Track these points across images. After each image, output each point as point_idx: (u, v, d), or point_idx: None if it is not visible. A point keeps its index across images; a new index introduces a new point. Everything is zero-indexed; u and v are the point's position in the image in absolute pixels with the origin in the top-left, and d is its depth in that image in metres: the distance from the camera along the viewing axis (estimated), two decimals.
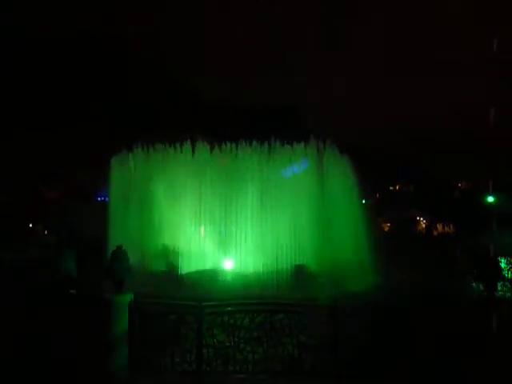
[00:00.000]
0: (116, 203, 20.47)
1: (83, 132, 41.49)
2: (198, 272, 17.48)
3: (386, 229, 46.22)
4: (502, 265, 15.81)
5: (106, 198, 26.02)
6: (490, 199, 49.42)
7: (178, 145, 20.00)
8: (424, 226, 48.82)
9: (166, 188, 19.48)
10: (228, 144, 19.72)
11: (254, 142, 19.55)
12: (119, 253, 12.88)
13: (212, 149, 19.81)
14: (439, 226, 45.90)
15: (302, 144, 19.80)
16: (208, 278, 17.27)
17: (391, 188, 56.17)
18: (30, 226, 42.55)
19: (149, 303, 7.98)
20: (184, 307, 7.77)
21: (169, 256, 18.52)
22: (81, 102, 44.77)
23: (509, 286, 13.31)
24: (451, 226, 41.22)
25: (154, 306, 7.96)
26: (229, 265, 18.33)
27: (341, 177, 19.78)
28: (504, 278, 14.11)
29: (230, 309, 7.74)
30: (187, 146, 20.00)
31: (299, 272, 17.18)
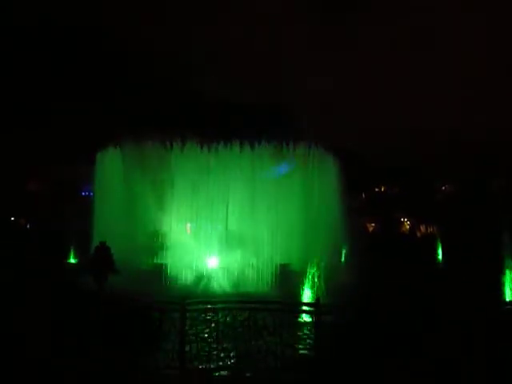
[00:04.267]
0: (101, 198, 20.32)
1: (70, 126, 40.87)
2: (183, 269, 17.46)
3: (371, 229, 46.73)
4: None
5: (91, 193, 25.80)
6: (472, 202, 50.42)
7: (166, 142, 19.90)
8: (408, 227, 49.48)
9: (153, 185, 19.38)
10: (216, 142, 19.70)
11: (243, 141, 19.58)
12: (103, 248, 12.90)
13: (201, 147, 19.76)
14: (422, 228, 46.60)
15: (291, 144, 19.92)
16: (193, 276, 17.31)
17: (376, 189, 56.77)
18: (12, 219, 41.98)
19: (130, 299, 7.97)
20: (166, 304, 7.78)
21: (155, 253, 18.48)
22: (67, 97, 44.07)
23: None
24: (434, 228, 41.82)
25: (137, 302, 7.95)
26: (214, 262, 18.35)
27: (327, 177, 19.96)
28: None
29: (213, 306, 7.77)
30: (176, 143, 19.92)
31: (284, 271, 17.32)
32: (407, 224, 49.81)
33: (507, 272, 13.74)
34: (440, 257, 27.17)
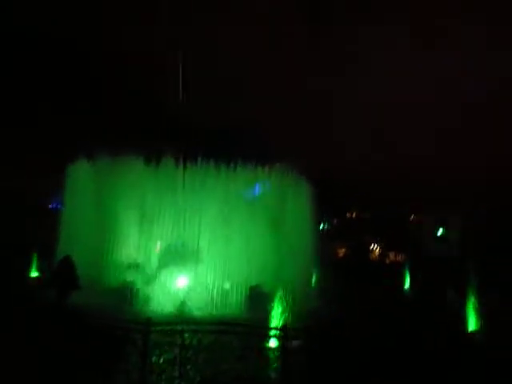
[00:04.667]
0: (70, 212, 19.75)
1: (40, 136, 39.91)
2: (150, 288, 17.04)
3: (341, 254, 47.11)
4: None
5: (59, 206, 25.05)
6: (439, 232, 51.88)
7: (141, 158, 19.67)
8: (377, 253, 50.20)
9: (124, 201, 18.99)
10: (191, 161, 19.62)
11: (219, 161, 19.58)
12: (67, 263, 12.46)
13: (177, 165, 19.63)
14: (392, 255, 47.37)
15: (266, 166, 20.04)
16: (161, 296, 16.89)
17: (348, 215, 57.61)
18: None
19: (92, 317, 7.66)
20: (130, 324, 7.52)
21: (123, 271, 18.00)
22: (38, 106, 43.14)
23: None
24: (403, 256, 42.57)
25: (99, 320, 7.65)
26: (183, 282, 17.99)
27: (300, 200, 20.10)
28: None
29: (178, 328, 7.57)
30: (151, 160, 19.71)
31: (255, 293, 17.14)
32: (377, 250, 50.56)
33: (470, 302, 14.05)
34: (407, 285, 27.56)
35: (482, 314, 13.74)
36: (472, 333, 13.24)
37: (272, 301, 12.74)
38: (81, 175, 19.81)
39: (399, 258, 44.09)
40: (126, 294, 16.39)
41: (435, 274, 25.20)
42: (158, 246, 19.22)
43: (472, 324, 13.68)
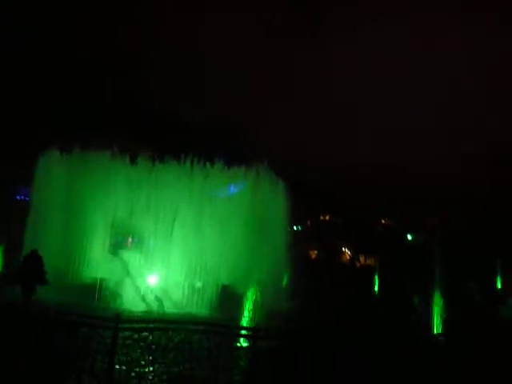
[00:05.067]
0: (39, 204, 19.16)
1: (9, 126, 38.58)
2: (120, 285, 16.75)
3: (313, 256, 47.58)
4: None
5: (26, 198, 24.30)
6: (409, 237, 53.22)
7: (116, 153, 19.32)
8: (348, 256, 50.96)
9: (95, 195, 18.60)
10: (167, 159, 19.44)
11: (195, 159, 19.47)
12: (33, 257, 12.09)
13: (151, 162, 19.40)
14: (362, 258, 48.18)
15: (242, 166, 20.06)
16: (131, 292, 16.64)
17: (321, 217, 58.24)
18: None
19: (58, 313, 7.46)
20: (98, 321, 7.37)
21: (92, 266, 17.64)
22: (12, 96, 41.71)
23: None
24: (373, 259, 43.37)
25: (65, 316, 7.46)
26: (154, 280, 17.77)
27: (274, 201, 20.20)
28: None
29: (147, 326, 7.46)
30: (125, 155, 19.39)
31: (226, 292, 17.09)
32: (348, 254, 51.33)
33: (435, 306, 14.51)
34: (376, 287, 28.12)
35: (445, 318, 14.22)
36: (436, 336, 13.67)
37: (243, 300, 12.77)
38: (52, 167, 19.26)
39: (369, 261, 44.89)
40: (95, 291, 16.07)
41: (403, 279, 25.78)
42: (129, 243, 18.94)
43: (437, 327, 14.15)
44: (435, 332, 13.99)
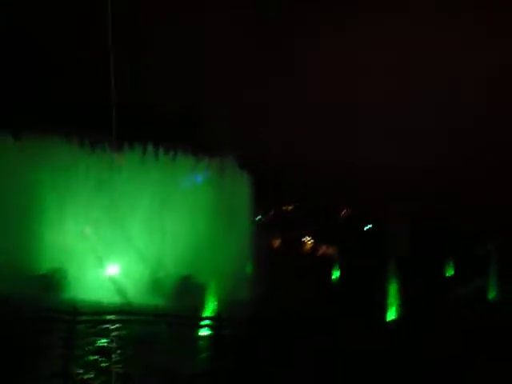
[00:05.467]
0: None
1: None
2: (78, 276, 16.31)
3: (276, 245, 48.15)
4: None
5: None
6: (368, 226, 54.90)
7: (73, 139, 18.64)
8: (310, 246, 51.96)
9: (51, 182, 17.91)
10: (129, 146, 18.99)
11: (157, 146, 19.15)
12: None
13: (111, 149, 18.87)
14: (323, 248, 49.26)
15: (205, 155, 19.94)
16: (88, 284, 16.25)
17: (284, 208, 58.89)
18: None
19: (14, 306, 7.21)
20: (55, 314, 7.18)
21: (49, 257, 17.03)
22: None
23: None
24: (333, 248, 44.44)
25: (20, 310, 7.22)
26: (113, 270, 17.42)
27: (238, 191, 20.24)
28: None
29: (105, 318, 7.36)
30: (84, 141, 18.75)
31: (186, 283, 17.03)
32: (309, 243, 52.31)
33: (390, 293, 15.12)
34: (335, 275, 28.89)
35: (401, 304, 14.86)
36: (390, 321, 14.27)
37: (206, 291, 12.79)
38: (4, 153, 18.34)
39: (330, 250, 45.98)
40: (51, 282, 15.58)
41: (362, 267, 26.65)
42: (88, 232, 18.41)
43: (391, 313, 14.76)
44: (390, 317, 14.59)
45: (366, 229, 55.11)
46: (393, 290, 15.26)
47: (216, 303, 12.41)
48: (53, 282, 15.66)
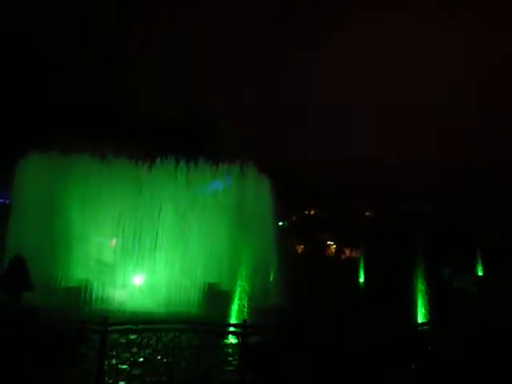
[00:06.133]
0: (20, 207, 18.83)
1: None
2: (107, 287, 16.66)
3: (300, 250, 47.98)
4: None
5: (6, 201, 23.84)
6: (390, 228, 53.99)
7: (97, 154, 19.12)
8: (333, 250, 51.52)
9: (79, 198, 18.38)
10: (150, 158, 19.33)
11: (178, 157, 19.42)
12: (18, 262, 11.90)
13: (134, 162, 19.27)
14: (347, 251, 48.78)
15: (226, 163, 20.08)
16: (117, 294, 16.56)
17: (306, 212, 58.68)
18: None
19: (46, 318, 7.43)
20: (86, 325, 7.36)
21: (78, 269, 17.47)
22: None
23: None
24: (357, 252, 43.95)
25: (53, 321, 7.42)
26: (140, 280, 17.70)
27: (260, 197, 20.26)
28: None
29: (136, 327, 7.48)
30: (107, 156, 19.20)
31: (213, 290, 17.14)
32: (333, 247, 51.86)
33: (419, 295, 14.80)
34: (362, 279, 28.57)
35: (430, 307, 14.52)
36: (421, 325, 13.97)
37: (231, 298, 12.84)
38: (33, 170, 18.94)
39: (354, 254, 45.47)
40: (81, 293, 15.93)
41: (388, 270, 26.27)
42: (114, 243, 18.80)
43: (421, 316, 14.45)
44: (420, 320, 14.28)
45: (387, 231, 54.34)
46: (421, 292, 14.95)
47: (242, 310, 12.44)
48: (83, 293, 15.99)
